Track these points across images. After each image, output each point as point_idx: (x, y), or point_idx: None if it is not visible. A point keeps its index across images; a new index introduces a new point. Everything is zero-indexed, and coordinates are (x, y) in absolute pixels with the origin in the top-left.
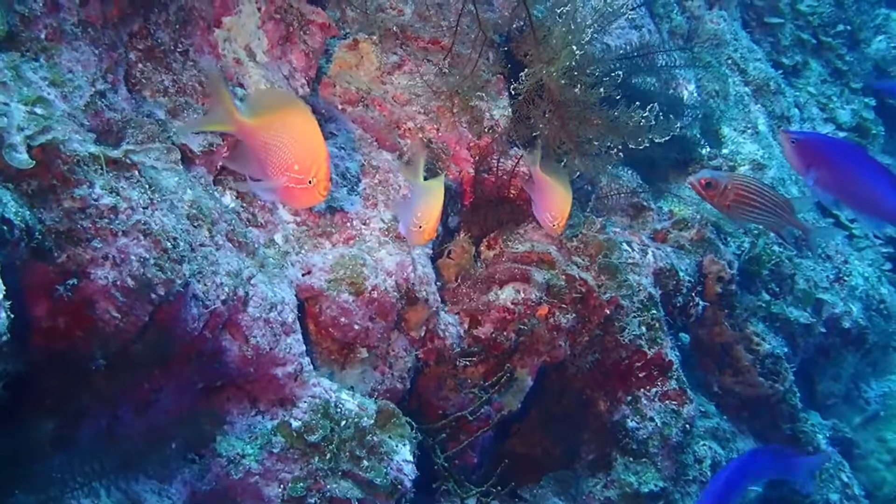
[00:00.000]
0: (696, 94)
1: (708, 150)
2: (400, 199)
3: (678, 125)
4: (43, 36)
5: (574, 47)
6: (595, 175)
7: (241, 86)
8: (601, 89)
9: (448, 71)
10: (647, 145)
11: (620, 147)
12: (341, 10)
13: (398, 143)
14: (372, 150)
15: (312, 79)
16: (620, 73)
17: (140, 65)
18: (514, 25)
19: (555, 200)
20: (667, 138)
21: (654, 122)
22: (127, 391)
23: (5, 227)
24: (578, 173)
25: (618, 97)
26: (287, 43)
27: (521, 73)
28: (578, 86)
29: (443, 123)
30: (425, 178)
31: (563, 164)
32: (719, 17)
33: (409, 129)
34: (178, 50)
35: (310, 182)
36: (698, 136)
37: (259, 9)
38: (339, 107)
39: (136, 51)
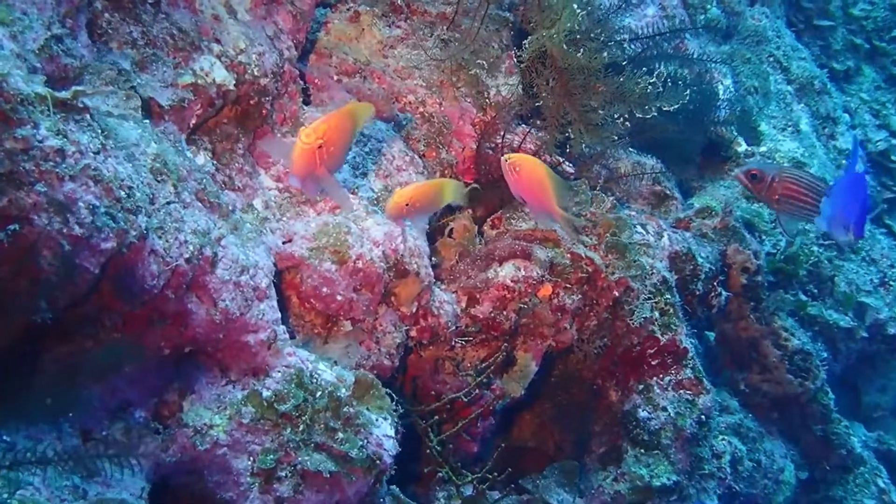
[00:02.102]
0: (732, 89)
1: (745, 146)
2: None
3: (686, 93)
4: None
5: (575, 5)
6: (603, 148)
7: (218, 41)
8: (605, 54)
9: (453, 42)
10: (655, 114)
11: (626, 116)
12: None
13: (396, 116)
14: None
15: (301, 42)
16: (626, 36)
17: (106, 14)
18: None
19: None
20: (676, 105)
21: (661, 89)
22: (83, 356)
23: None
24: (585, 146)
25: (623, 62)
26: (273, 3)
27: (525, 41)
28: (581, 50)
29: (445, 97)
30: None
31: (564, 135)
32: (761, 13)
33: (410, 102)
34: (149, 1)
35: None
36: (734, 132)
37: None
38: (335, 77)
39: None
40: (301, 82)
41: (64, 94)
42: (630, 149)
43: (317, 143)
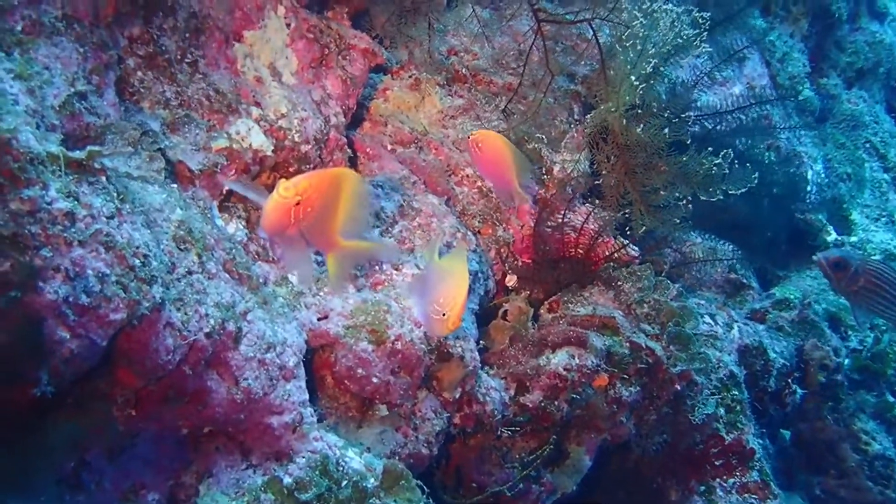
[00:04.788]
0: (823, 175)
1: (834, 236)
2: (415, 282)
3: (755, 176)
4: (19, 28)
5: (633, 78)
6: (665, 231)
7: (258, 105)
8: (666, 131)
9: (518, 116)
10: (721, 197)
11: (690, 199)
12: (409, 51)
13: (452, 189)
14: (417, 192)
15: (351, 109)
16: (695, 114)
17: (139, 72)
18: (587, 68)
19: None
20: (743, 190)
21: (727, 171)
22: (94, 433)
23: None
24: (645, 229)
25: (688, 141)
26: (322, 66)
27: (587, 116)
28: (641, 125)
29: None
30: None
31: (625, 216)
32: (858, 97)
33: (467, 175)
34: (186, 60)
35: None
36: (823, 220)
37: (288, 25)
38: (388, 147)
39: (135, 56)
40: (349, 151)
41: (78, 155)
42: (705, 233)
43: (294, 199)
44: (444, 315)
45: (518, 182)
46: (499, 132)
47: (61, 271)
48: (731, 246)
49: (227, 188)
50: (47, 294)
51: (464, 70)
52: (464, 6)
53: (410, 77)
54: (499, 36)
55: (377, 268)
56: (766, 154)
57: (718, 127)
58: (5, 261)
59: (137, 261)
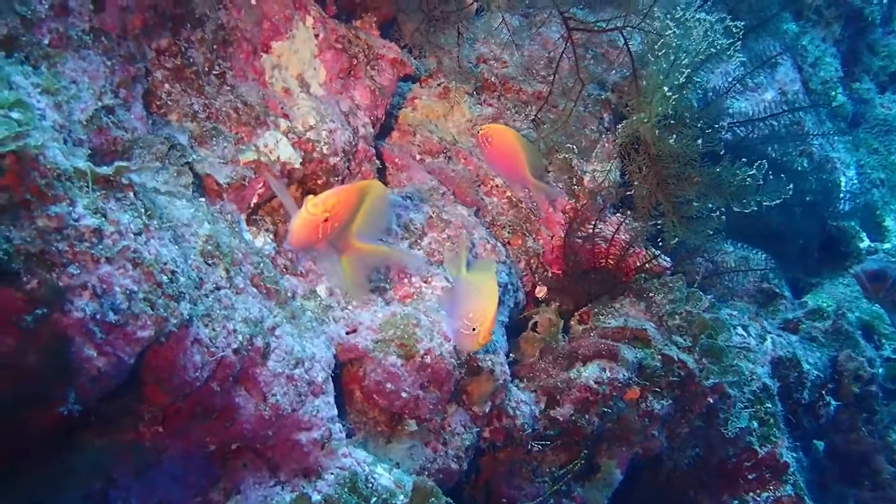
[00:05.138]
0: (856, 181)
1: (867, 242)
2: (444, 296)
3: (789, 187)
4: (46, 42)
5: (666, 88)
6: (698, 242)
7: (286, 117)
8: (700, 141)
9: (548, 125)
10: (755, 208)
11: (723, 210)
12: (438, 59)
13: (481, 200)
14: (446, 202)
15: (380, 119)
16: (725, 124)
17: (167, 85)
18: (618, 75)
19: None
20: (776, 202)
21: (762, 182)
22: (122, 449)
23: None
24: (677, 240)
25: (722, 153)
26: (350, 77)
27: (619, 126)
28: (674, 136)
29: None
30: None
31: (657, 226)
32: (892, 101)
33: (496, 185)
34: (214, 72)
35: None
36: (857, 226)
37: (316, 35)
38: (417, 157)
39: (163, 69)
40: (377, 162)
41: (106, 170)
42: (737, 242)
43: (323, 215)
44: (474, 330)
45: (532, 173)
46: (530, 141)
47: (88, 289)
48: (763, 255)
49: (258, 194)
50: (74, 312)
51: (493, 78)
52: (493, 14)
53: (439, 86)
54: (528, 43)
55: (406, 280)
56: (799, 160)
57: (751, 134)
58: (32, 278)
59: (165, 277)
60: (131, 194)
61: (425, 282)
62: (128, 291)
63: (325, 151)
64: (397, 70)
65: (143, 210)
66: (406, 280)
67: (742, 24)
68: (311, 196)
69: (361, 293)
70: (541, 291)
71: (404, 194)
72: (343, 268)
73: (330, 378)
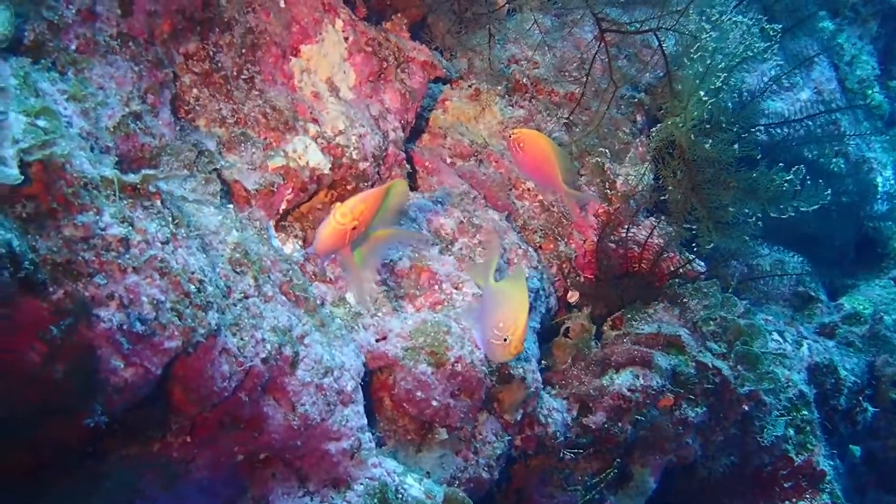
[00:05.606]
0: (892, 182)
1: None
2: (473, 304)
3: (827, 192)
4: (73, 47)
5: (702, 93)
6: (734, 248)
7: (316, 121)
8: (737, 146)
9: (578, 126)
10: (792, 213)
11: (759, 215)
12: (469, 60)
13: (513, 203)
14: (477, 207)
15: (410, 122)
16: (761, 127)
17: (195, 90)
18: (651, 76)
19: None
20: (814, 207)
21: (799, 187)
22: (149, 459)
23: None
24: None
25: (758, 157)
26: (380, 80)
27: (653, 129)
28: (711, 141)
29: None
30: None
31: (691, 231)
32: None
33: (528, 189)
34: (243, 77)
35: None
36: (894, 227)
37: (346, 38)
38: (448, 160)
39: (191, 74)
40: (407, 166)
41: (133, 178)
42: (772, 245)
43: (352, 223)
44: (505, 340)
45: (563, 180)
46: (561, 144)
47: (115, 299)
48: (799, 258)
49: (287, 200)
50: (101, 323)
51: (525, 80)
52: (525, 14)
53: (470, 87)
54: (560, 44)
55: (436, 287)
56: (835, 161)
57: (786, 136)
58: (59, 289)
59: (192, 286)
60: (158, 202)
61: (456, 288)
62: (155, 301)
63: (354, 156)
64: (428, 73)
65: (170, 218)
66: (436, 287)
67: (779, 27)
68: (338, 204)
69: (371, 275)
70: (573, 296)
71: (434, 198)
72: (356, 260)
73: (359, 387)
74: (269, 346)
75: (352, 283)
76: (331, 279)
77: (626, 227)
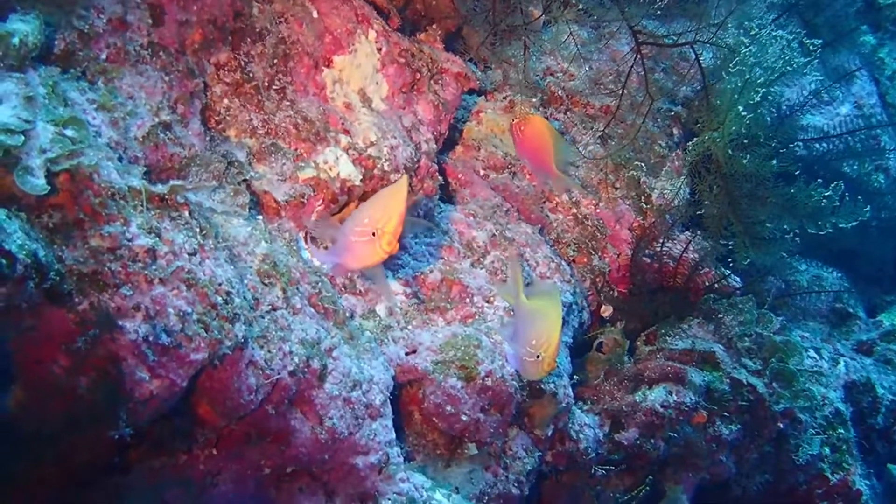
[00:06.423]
0: None
1: None
2: (505, 323)
3: (867, 209)
4: (104, 56)
5: (741, 108)
6: (771, 264)
7: (347, 133)
8: (774, 162)
9: (613, 139)
10: (830, 230)
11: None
12: (503, 72)
13: (546, 216)
14: (510, 220)
15: (443, 134)
16: (800, 142)
17: (225, 100)
18: (688, 89)
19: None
20: (853, 224)
21: (838, 203)
22: (175, 472)
23: (4, 261)
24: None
25: (796, 172)
26: (413, 91)
27: (689, 143)
28: (748, 156)
29: (602, 198)
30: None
31: (727, 246)
32: None
33: (562, 202)
34: (274, 87)
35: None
36: None
37: (379, 49)
38: (481, 172)
39: (221, 83)
40: (440, 178)
41: (161, 189)
42: (810, 260)
43: (385, 238)
44: (538, 357)
45: (557, 166)
46: (595, 158)
47: (141, 310)
48: (837, 274)
49: (317, 212)
50: (127, 334)
51: (560, 92)
52: (561, 26)
53: (505, 99)
54: (596, 56)
55: (467, 300)
56: (875, 177)
57: (825, 150)
58: (84, 300)
59: (220, 298)
60: (186, 213)
61: (487, 301)
62: (181, 313)
63: (385, 168)
64: (461, 84)
65: (198, 229)
66: (467, 300)
67: (819, 41)
68: (370, 219)
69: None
70: (606, 311)
71: (467, 211)
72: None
73: (388, 401)
74: (296, 359)
75: (381, 292)
76: (360, 291)
77: (661, 241)
